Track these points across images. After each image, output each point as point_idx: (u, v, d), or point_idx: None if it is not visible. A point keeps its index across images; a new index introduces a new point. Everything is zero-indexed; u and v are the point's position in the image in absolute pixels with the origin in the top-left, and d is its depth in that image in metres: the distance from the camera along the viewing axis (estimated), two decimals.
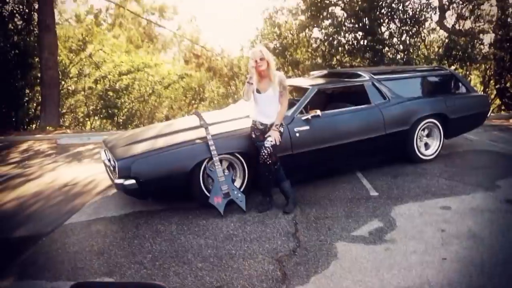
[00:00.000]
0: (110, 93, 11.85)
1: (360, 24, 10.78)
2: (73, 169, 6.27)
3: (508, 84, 11.73)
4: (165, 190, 4.01)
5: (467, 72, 11.56)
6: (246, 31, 25.26)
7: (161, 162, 3.85)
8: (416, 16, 9.84)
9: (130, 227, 3.79)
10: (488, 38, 11.64)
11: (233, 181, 4.06)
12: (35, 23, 11.66)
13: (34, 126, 12.96)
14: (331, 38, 11.15)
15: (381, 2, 9.92)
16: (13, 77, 11.60)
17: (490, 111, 7.69)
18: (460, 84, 5.87)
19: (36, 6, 11.78)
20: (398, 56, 10.43)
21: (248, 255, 3.08)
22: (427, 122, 5.27)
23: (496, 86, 12.04)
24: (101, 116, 12.40)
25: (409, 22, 10.11)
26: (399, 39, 10.27)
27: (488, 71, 12.30)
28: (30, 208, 4.55)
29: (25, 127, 12.55)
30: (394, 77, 5.40)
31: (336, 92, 5.04)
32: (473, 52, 10.10)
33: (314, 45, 11.48)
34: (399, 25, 10.16)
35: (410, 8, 10.03)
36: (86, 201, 4.63)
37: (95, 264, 3.09)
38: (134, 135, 4.66)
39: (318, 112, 4.44)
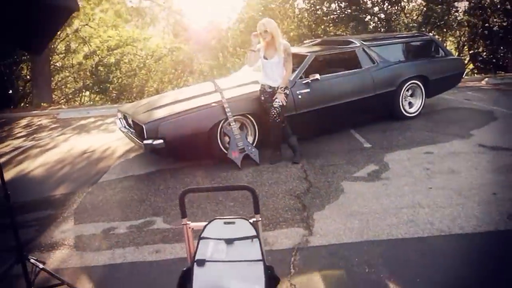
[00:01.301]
0: (101, 68, 12.06)
1: None
2: (85, 139, 6.69)
3: (480, 49, 12.50)
4: (187, 148, 4.53)
5: (443, 38, 12.25)
6: (233, 3, 25.44)
7: (184, 123, 4.37)
8: None
9: (159, 181, 4.33)
10: (462, 5, 12.31)
11: (247, 138, 4.63)
12: None
13: (23, 103, 13.09)
14: (314, 8, 11.58)
15: None
16: (1, 55, 11.63)
17: (465, 73, 8.39)
18: (439, 49, 6.51)
19: None
20: (380, 25, 10.98)
21: (270, 195, 3.68)
22: (411, 83, 5.90)
23: (470, 52, 12.80)
24: (93, 91, 12.61)
25: None
26: (381, 8, 10.80)
27: (462, 37, 13.02)
28: (60, 171, 5.01)
29: (16, 104, 12.66)
30: (382, 43, 5.97)
31: (331, 58, 5.57)
32: (449, 19, 10.75)
33: (299, 16, 11.88)
34: None
35: None
36: (110, 164, 5.12)
37: (140, 209, 3.65)
38: (151, 103, 5.12)
39: (317, 76, 4.99)
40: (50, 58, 13.00)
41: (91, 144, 6.24)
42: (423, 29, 10.85)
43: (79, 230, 3.33)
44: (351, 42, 5.82)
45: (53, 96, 13.40)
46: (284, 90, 4.39)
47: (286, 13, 12.39)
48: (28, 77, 12.97)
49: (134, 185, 4.28)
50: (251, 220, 1.84)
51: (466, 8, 12.18)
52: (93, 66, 12.63)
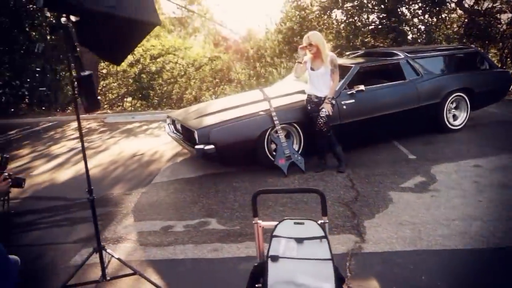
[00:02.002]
0: (143, 76, 12.57)
1: (382, 6, 11.22)
2: (133, 142, 7.02)
3: None
4: (235, 154, 4.72)
5: (485, 51, 12.00)
6: (271, 13, 26.07)
7: (234, 130, 4.57)
8: None
9: (209, 184, 4.53)
10: (505, 17, 12.03)
11: (293, 146, 4.77)
12: None
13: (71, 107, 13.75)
14: (353, 19, 11.64)
15: None
16: (55, 62, 12.32)
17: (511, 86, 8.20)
18: (484, 61, 6.44)
19: None
20: (420, 36, 10.90)
21: (319, 202, 3.79)
22: (455, 96, 5.88)
23: None
24: (135, 97, 13.13)
25: (430, 3, 10.55)
26: (420, 19, 10.73)
27: (505, 50, 12.70)
28: (114, 172, 5.32)
29: (65, 108, 13.33)
30: (426, 55, 5.98)
31: (375, 69, 5.65)
32: (492, 31, 10.54)
33: (337, 27, 11.96)
34: (420, 5, 10.60)
35: None
36: (160, 167, 5.37)
37: (194, 210, 3.84)
38: (201, 110, 5.36)
39: (362, 87, 5.08)
40: (98, 66, 13.65)
41: (140, 148, 6.55)
42: (465, 41, 10.70)
43: (139, 226, 3.56)
44: (395, 54, 5.88)
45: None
46: (330, 101, 4.51)
47: (324, 24, 12.49)
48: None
49: (186, 187, 4.50)
50: (319, 222, 1.98)
51: (509, 19, 11.90)
52: (136, 73, 13.15)
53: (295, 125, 4.88)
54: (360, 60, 5.78)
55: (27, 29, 12.09)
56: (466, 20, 11.20)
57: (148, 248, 3.14)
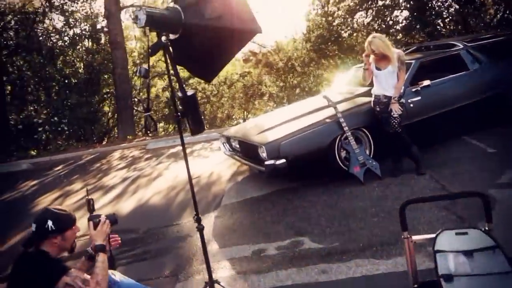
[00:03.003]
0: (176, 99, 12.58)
1: (412, 2, 10.94)
2: (184, 166, 6.88)
3: None
4: (307, 166, 4.50)
5: None
6: (297, 23, 26.01)
7: (303, 141, 4.36)
8: None
9: (283, 201, 4.31)
10: None
11: (365, 151, 4.52)
12: (103, 42, 12.54)
13: (107, 138, 13.92)
14: (383, 18, 11.40)
15: None
16: (89, 95, 12.52)
17: None
18: None
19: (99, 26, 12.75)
20: (455, 28, 10.54)
21: (413, 208, 3.50)
22: None
23: None
24: (169, 122, 13.17)
25: None
26: (455, 9, 10.38)
27: None
28: (177, 198, 5.17)
29: (102, 139, 13.49)
30: (487, 42, 5.67)
31: (436, 62, 5.36)
32: None
33: (368, 28, 11.73)
34: None
35: None
36: (222, 188, 5.20)
37: (279, 229, 3.62)
38: (260, 124, 5.18)
39: (428, 82, 4.80)
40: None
41: (193, 171, 6.39)
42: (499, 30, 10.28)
43: (228, 253, 3.36)
44: (454, 45, 5.58)
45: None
46: (397, 100, 4.25)
47: (353, 27, 12.29)
48: (110, 113, 13.81)
49: (259, 207, 4.29)
50: (482, 229, 1.73)
51: None
52: (168, 97, 13.22)
53: (364, 129, 4.63)
54: (418, 54, 5.50)
55: (60, 65, 12.37)
56: (502, 5, 10.77)
57: (248, 277, 2.92)
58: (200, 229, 2.38)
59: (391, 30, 11.78)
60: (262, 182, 5.06)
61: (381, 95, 4.40)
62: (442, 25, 10.37)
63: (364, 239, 3.15)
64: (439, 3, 11.05)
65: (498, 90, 5.30)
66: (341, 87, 5.94)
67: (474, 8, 10.29)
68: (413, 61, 5.09)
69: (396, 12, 11.82)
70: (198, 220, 2.37)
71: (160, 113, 13.53)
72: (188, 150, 8.45)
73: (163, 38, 2.07)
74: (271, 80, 13.62)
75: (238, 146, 5.24)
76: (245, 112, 14.06)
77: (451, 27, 10.37)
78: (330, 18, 12.01)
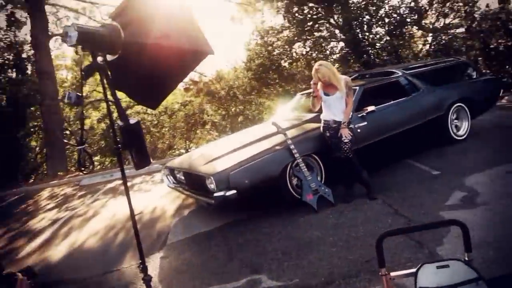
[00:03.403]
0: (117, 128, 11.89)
1: (348, 34, 11.46)
2: (124, 202, 6.35)
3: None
4: (258, 196, 4.28)
5: None
6: (237, 52, 26.71)
7: (254, 170, 4.15)
8: (401, 19, 10.67)
9: (235, 235, 4.02)
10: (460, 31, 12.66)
11: (318, 178, 4.41)
12: (29, 73, 11.65)
13: (35, 175, 12.75)
14: (320, 46, 11.83)
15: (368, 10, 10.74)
16: (13, 129, 11.46)
17: None
18: (474, 70, 6.52)
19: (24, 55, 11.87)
20: (388, 57, 11.17)
21: (370, 235, 3.40)
22: (456, 106, 5.82)
23: None
24: (105, 155, 12.39)
25: (393, 25, 10.92)
26: (387, 40, 11.03)
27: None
28: (116, 239, 4.67)
29: (27, 177, 12.33)
30: (421, 70, 5.95)
31: (378, 89, 5.49)
32: (455, 45, 11.01)
33: (308, 57, 12.07)
34: (386, 29, 10.94)
35: (395, 12, 10.89)
36: (167, 224, 4.80)
37: (234, 267, 3.32)
38: (206, 154, 4.90)
39: (373, 107, 4.88)
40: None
41: (135, 206, 5.89)
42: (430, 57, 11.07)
43: None
44: (393, 72, 5.79)
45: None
46: (346, 125, 4.24)
47: (292, 57, 12.59)
48: (38, 148, 12.73)
49: (209, 243, 3.96)
50: (462, 259, 1.60)
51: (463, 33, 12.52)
52: (104, 129, 12.49)
53: (314, 155, 4.54)
54: (361, 82, 5.62)
55: None
56: (430, 37, 11.63)
57: None
58: (147, 280, 2.01)
59: (328, 60, 12.21)
60: (210, 215, 4.74)
61: (330, 120, 4.35)
62: (376, 55, 10.93)
63: (324, 271, 2.96)
64: (371, 35, 11.70)
65: (436, 114, 5.54)
66: (288, 114, 5.89)
67: (403, 39, 11.01)
68: (357, 88, 5.16)
69: (332, 43, 12.34)
70: (144, 270, 2.04)
71: (95, 146, 12.71)
72: (127, 184, 7.92)
73: (99, 59, 1.78)
74: (213, 109, 13.45)
75: (183, 177, 4.92)
76: (187, 141, 13.67)
77: (384, 57, 10.97)
78: (270, 48, 12.21)
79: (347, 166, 4.29)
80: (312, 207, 4.17)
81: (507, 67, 11.94)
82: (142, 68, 1.90)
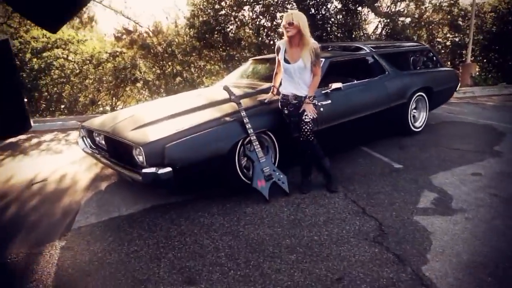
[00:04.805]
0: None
1: (302, 5, 10.73)
2: (26, 163, 5.14)
3: None
4: (197, 177, 3.44)
5: None
6: (181, 5, 23.69)
7: (197, 145, 3.28)
8: None
9: (165, 223, 3.17)
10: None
11: (273, 161, 3.68)
12: None
13: None
14: (273, 12, 10.98)
15: None
16: None
17: None
18: (435, 60, 6.16)
19: None
20: (343, 35, 10.68)
21: (337, 240, 2.77)
22: (418, 95, 5.41)
23: None
24: None
25: (351, 3, 10.39)
26: (343, 17, 10.49)
27: None
28: (5, 215, 3.57)
29: None
30: (389, 51, 5.42)
31: (345, 65, 4.84)
32: (409, 33, 10.82)
33: (257, 23, 11.16)
34: (343, 4, 10.37)
35: None
36: (78, 200, 3.79)
37: (160, 272, 2.49)
38: (138, 116, 3.91)
39: (340, 84, 4.20)
40: None
41: (38, 170, 4.75)
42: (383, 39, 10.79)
43: None
44: (361, 49, 5.17)
45: None
46: (312, 100, 3.53)
47: (241, 20, 11.58)
48: None
49: (131, 232, 3.07)
50: None
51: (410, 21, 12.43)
52: None
53: (269, 133, 3.79)
54: (327, 53, 4.90)
55: None
56: (385, 20, 11.31)
57: None
58: None
59: (277, 30, 11.43)
60: (134, 193, 3.83)
61: (290, 94, 3.61)
62: (330, 31, 10.36)
63: (284, 284, 2.27)
64: (326, 9, 11.10)
65: (400, 101, 5.07)
66: (240, 80, 5.04)
67: (358, 19, 10.56)
68: (323, 60, 4.45)
69: (283, 13, 11.51)
70: None
71: None
72: (34, 141, 6.58)
73: None
74: (147, 66, 12.05)
75: (103, 142, 3.90)
76: (114, 98, 12.19)
77: (338, 34, 10.45)
78: (217, 6, 11.06)
79: (307, 151, 3.60)
80: (263, 196, 3.45)
81: (448, 63, 12.14)
82: None
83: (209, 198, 3.60)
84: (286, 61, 3.56)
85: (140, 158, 3.22)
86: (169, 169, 3.10)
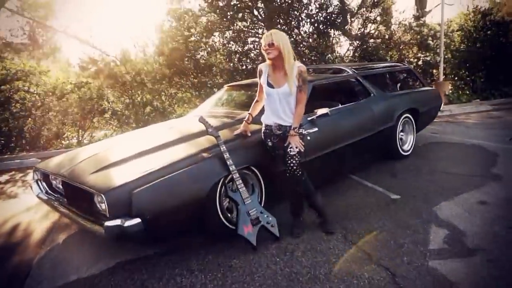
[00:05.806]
0: None
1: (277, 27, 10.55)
2: None
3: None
4: (174, 226, 2.91)
5: None
6: (150, 33, 22.87)
7: (170, 189, 2.77)
8: (330, 20, 10.07)
9: (137, 286, 2.61)
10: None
11: (259, 202, 3.21)
12: None
13: None
14: (244, 37, 10.72)
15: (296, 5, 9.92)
16: None
17: None
18: (418, 80, 5.94)
19: None
20: (316, 58, 10.50)
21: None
22: (404, 117, 5.12)
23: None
24: None
25: (322, 26, 10.27)
26: (314, 40, 10.33)
27: None
28: None
29: None
30: (372, 72, 5.13)
31: (329, 88, 4.49)
32: (382, 53, 10.77)
33: (229, 49, 10.85)
34: (313, 28, 10.24)
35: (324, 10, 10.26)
36: (31, 257, 3.17)
37: None
38: (100, 156, 3.36)
39: (326, 110, 3.80)
40: None
41: None
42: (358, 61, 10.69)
43: None
44: (343, 70, 4.85)
45: None
46: (297, 131, 3.11)
47: (212, 46, 11.26)
48: None
49: None
50: None
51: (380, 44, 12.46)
52: None
53: (253, 168, 3.32)
54: (310, 76, 4.53)
55: None
56: (355, 43, 11.26)
57: None
58: None
59: (249, 55, 11.18)
60: (98, 245, 3.25)
61: (273, 124, 3.18)
62: (302, 53, 10.17)
63: None
64: (298, 33, 10.96)
65: (387, 125, 4.75)
66: (215, 109, 4.59)
67: (330, 42, 10.43)
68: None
69: (256, 37, 11.27)
70: None
71: None
72: None
73: None
74: (115, 95, 11.46)
75: (61, 187, 3.33)
76: (81, 131, 11.45)
77: (312, 57, 10.26)
78: (186, 33, 10.70)
79: (295, 188, 3.15)
80: (251, 243, 2.95)
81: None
82: None
83: (187, 248, 3.07)
84: (269, 85, 3.15)
85: (103, 207, 2.68)
86: (137, 220, 2.57)
